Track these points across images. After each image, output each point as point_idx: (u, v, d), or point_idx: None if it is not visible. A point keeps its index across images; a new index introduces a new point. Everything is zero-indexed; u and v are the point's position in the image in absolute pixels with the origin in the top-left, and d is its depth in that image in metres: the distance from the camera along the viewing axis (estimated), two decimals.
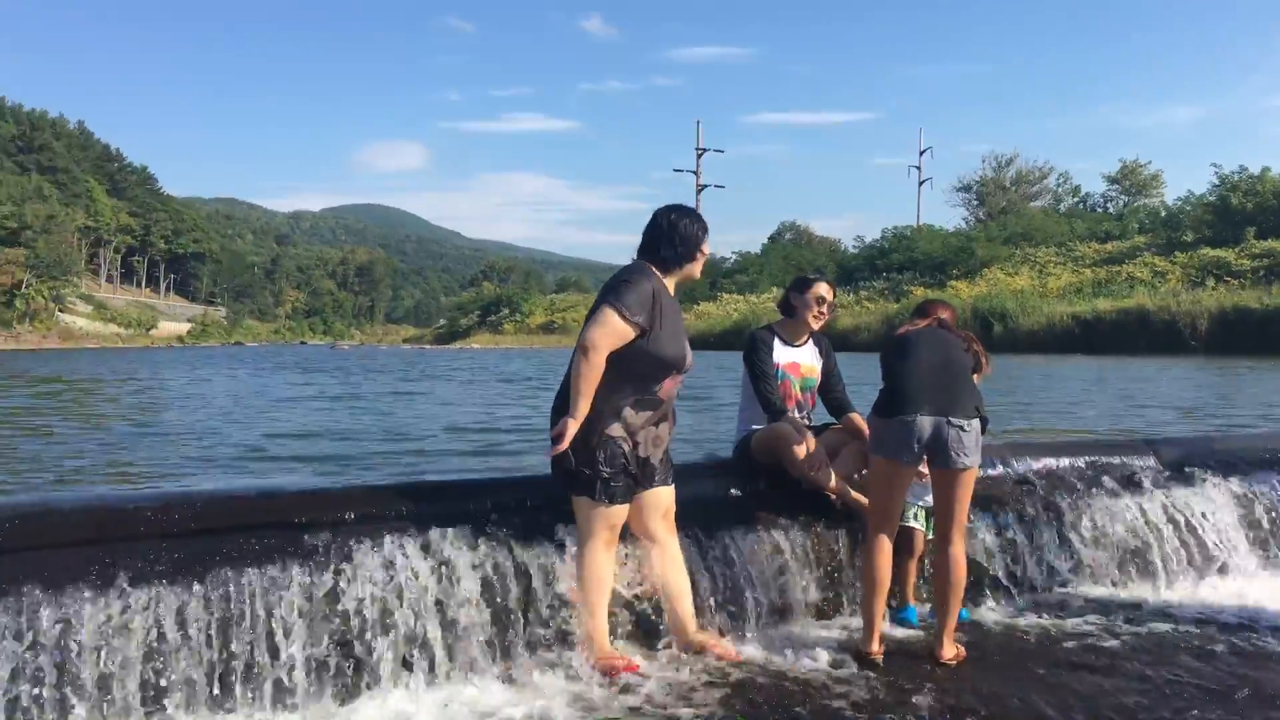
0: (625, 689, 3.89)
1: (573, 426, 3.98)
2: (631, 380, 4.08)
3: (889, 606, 4.65)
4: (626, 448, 4.09)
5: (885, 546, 4.35)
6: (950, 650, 4.30)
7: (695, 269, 4.34)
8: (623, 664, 4.04)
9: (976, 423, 4.24)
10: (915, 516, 4.84)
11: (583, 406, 4.00)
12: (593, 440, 4.04)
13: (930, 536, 4.72)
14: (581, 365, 3.97)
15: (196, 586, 3.62)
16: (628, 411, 4.09)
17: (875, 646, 4.28)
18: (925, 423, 4.17)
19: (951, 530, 4.34)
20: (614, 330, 4.00)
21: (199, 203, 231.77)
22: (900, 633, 4.68)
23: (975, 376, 4.43)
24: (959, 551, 4.36)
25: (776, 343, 5.16)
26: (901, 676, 4.08)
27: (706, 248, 4.35)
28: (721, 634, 4.40)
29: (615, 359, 4.03)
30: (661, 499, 4.27)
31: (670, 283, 4.28)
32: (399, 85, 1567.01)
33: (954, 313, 4.70)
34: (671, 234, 4.23)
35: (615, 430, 4.07)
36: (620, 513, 4.14)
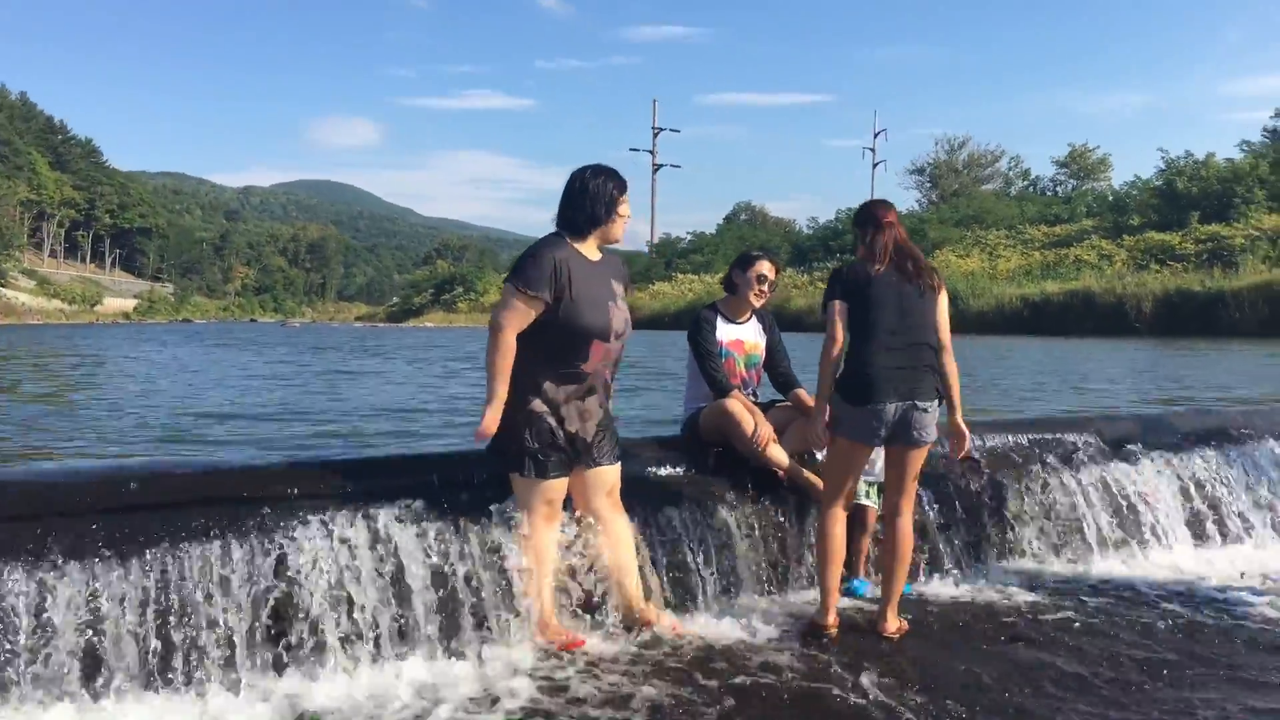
0: (571, 664, 3.89)
1: (491, 410, 3.99)
2: (550, 354, 4.05)
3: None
4: (551, 423, 4.06)
5: (840, 521, 4.39)
6: (894, 624, 4.35)
7: (614, 230, 4.19)
8: (568, 639, 4.04)
9: (936, 401, 4.29)
10: (867, 494, 4.88)
11: (498, 389, 3.99)
12: (518, 417, 4.04)
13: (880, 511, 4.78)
14: (489, 347, 4.00)
15: (136, 562, 3.56)
16: (548, 386, 4.06)
17: (831, 619, 4.31)
18: (892, 409, 4.20)
19: (902, 503, 4.40)
20: (514, 308, 3.98)
21: (145, 177, 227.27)
22: (843, 606, 4.72)
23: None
24: (907, 524, 4.41)
25: (720, 320, 5.17)
26: (846, 649, 4.13)
27: (625, 207, 4.18)
28: (670, 610, 4.41)
29: (531, 335, 4.01)
30: (605, 477, 4.25)
31: (588, 247, 4.16)
32: (352, 60, 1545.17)
33: (895, 214, 4.48)
34: (582, 195, 4.13)
35: (537, 406, 4.05)
36: (556, 487, 4.12)
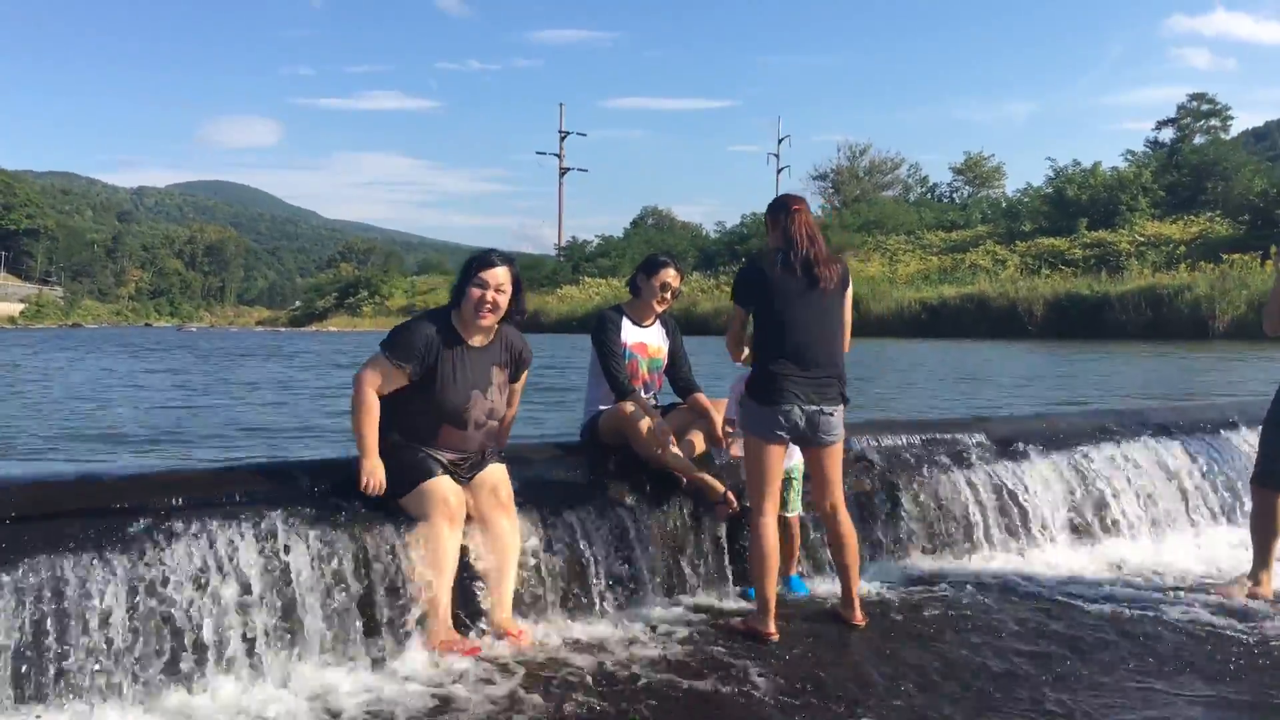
0: (468, 672, 3.83)
1: (367, 461, 4.07)
2: (402, 422, 4.13)
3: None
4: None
5: (770, 527, 4.42)
6: (860, 613, 4.51)
7: (467, 310, 4.16)
8: (464, 646, 3.98)
9: (841, 404, 4.44)
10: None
11: (367, 443, 4.07)
12: (385, 447, 4.11)
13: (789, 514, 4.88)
14: (352, 403, 4.10)
15: (6, 577, 3.41)
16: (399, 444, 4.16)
17: (772, 627, 4.33)
18: (798, 412, 4.32)
19: (835, 500, 4.55)
20: (376, 369, 4.10)
21: (32, 176, 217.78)
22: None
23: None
24: (845, 518, 4.58)
25: (625, 322, 5.17)
26: (739, 651, 4.16)
27: (487, 275, 4.15)
28: (568, 615, 4.37)
29: (391, 399, 4.12)
30: (488, 477, 4.23)
31: (468, 325, 4.21)
32: (249, 59, 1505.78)
33: (805, 206, 4.61)
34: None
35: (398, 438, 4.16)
36: (448, 485, 4.08)
